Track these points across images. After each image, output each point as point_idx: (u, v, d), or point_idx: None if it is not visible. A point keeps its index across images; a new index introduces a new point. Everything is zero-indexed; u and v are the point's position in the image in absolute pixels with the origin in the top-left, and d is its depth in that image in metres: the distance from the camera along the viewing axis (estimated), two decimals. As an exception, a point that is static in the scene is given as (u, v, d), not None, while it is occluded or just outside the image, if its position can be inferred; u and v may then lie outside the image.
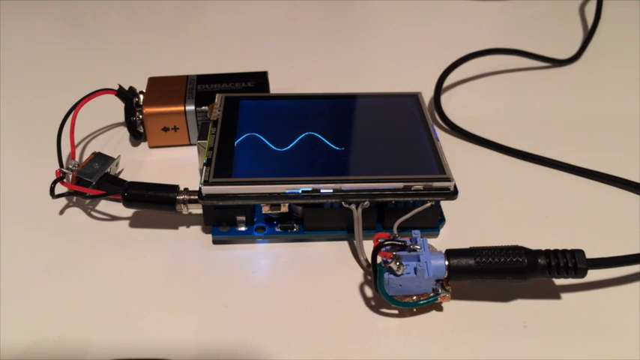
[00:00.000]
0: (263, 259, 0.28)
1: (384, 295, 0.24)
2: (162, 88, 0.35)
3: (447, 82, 0.39)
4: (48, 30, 0.48)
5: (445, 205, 0.30)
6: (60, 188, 0.29)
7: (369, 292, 0.26)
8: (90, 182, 0.29)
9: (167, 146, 0.34)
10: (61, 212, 0.30)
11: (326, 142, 0.29)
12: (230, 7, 0.52)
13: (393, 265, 0.23)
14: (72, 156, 0.31)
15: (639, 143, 0.35)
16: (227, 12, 0.51)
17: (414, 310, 0.25)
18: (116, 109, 0.34)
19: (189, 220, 0.29)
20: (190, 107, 0.33)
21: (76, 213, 0.30)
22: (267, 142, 0.29)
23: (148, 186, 0.28)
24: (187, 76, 0.36)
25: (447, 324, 0.24)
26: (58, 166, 0.30)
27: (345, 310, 0.25)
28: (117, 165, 0.32)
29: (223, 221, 0.28)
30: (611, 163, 0.33)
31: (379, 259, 0.24)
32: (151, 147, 0.34)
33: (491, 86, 0.41)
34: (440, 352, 0.23)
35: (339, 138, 0.29)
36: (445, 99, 0.38)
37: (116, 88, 0.33)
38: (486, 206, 0.30)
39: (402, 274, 0.23)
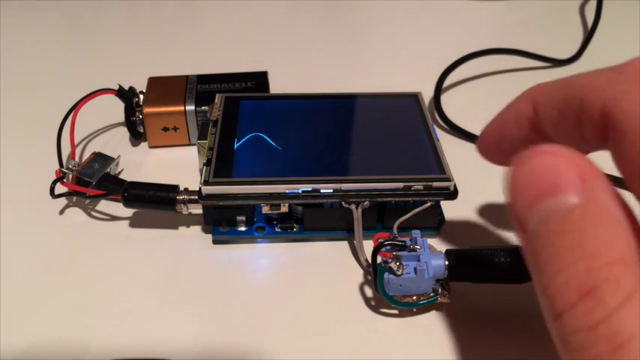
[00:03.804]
0: (263, 259, 0.28)
1: (384, 295, 0.24)
2: (162, 88, 0.35)
3: (447, 82, 0.39)
4: (48, 30, 0.48)
5: (445, 205, 0.30)
6: (60, 188, 0.29)
7: (369, 292, 0.26)
8: (90, 182, 0.29)
9: (167, 146, 0.34)
10: (61, 212, 0.30)
11: (325, 142, 0.29)
12: (230, 7, 0.52)
13: (393, 265, 0.23)
14: (72, 156, 0.31)
15: (639, 143, 0.35)
16: (227, 12, 0.51)
17: (414, 310, 0.25)
18: (116, 109, 0.34)
19: (189, 220, 0.29)
20: (190, 107, 0.33)
21: (76, 213, 0.30)
22: (267, 142, 0.29)
23: (148, 186, 0.28)
24: (187, 76, 0.36)
25: (447, 324, 0.24)
26: (58, 166, 0.30)
27: (345, 310, 0.25)
28: (117, 165, 0.32)
29: (223, 221, 0.28)
30: (611, 163, 0.33)
31: (379, 259, 0.24)
32: (150, 147, 0.34)
33: (491, 86, 0.41)
34: (440, 352, 0.23)
35: (339, 138, 0.29)
36: (445, 99, 0.38)
37: (116, 88, 0.33)
38: (486, 206, 0.30)
39: (402, 274, 0.23)
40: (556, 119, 0.19)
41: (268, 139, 0.29)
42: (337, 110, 0.31)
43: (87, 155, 0.32)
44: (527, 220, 0.14)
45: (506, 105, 0.22)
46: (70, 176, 0.29)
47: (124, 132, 0.35)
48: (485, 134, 0.23)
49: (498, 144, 0.22)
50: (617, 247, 0.13)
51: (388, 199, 0.27)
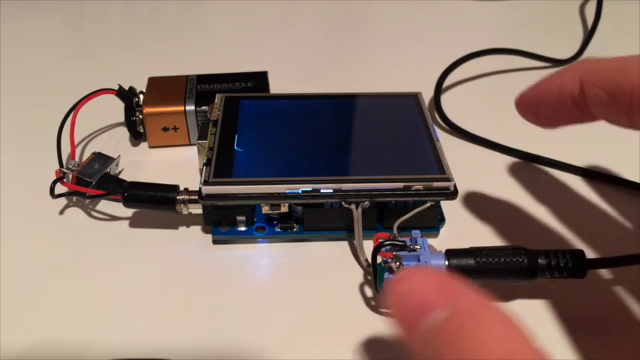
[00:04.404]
0: (263, 259, 0.28)
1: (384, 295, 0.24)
2: (163, 88, 0.35)
3: (447, 82, 0.39)
4: (48, 30, 0.48)
5: (445, 205, 0.30)
6: (60, 188, 0.29)
7: (369, 292, 0.26)
8: (90, 182, 0.29)
9: (167, 146, 0.34)
10: (61, 212, 0.30)
11: (325, 142, 0.29)
12: (230, 7, 0.52)
13: (393, 265, 0.23)
14: (72, 156, 0.31)
15: (639, 143, 0.35)
16: (227, 12, 0.51)
17: (414, 310, 0.25)
18: (116, 109, 0.34)
19: (189, 220, 0.29)
20: (190, 107, 0.33)
21: (76, 213, 0.30)
22: (267, 142, 0.29)
23: (148, 186, 0.28)
24: (187, 76, 0.36)
25: (447, 324, 0.24)
26: (58, 166, 0.30)
27: (345, 310, 0.25)
28: (117, 165, 0.32)
29: (223, 221, 0.28)
30: (611, 163, 0.33)
31: (379, 259, 0.24)
32: (151, 147, 0.34)
33: (491, 86, 0.41)
34: (440, 352, 0.23)
35: (339, 138, 0.29)
36: (445, 99, 0.38)
37: (116, 88, 0.33)
38: (486, 206, 0.30)
39: (402, 274, 0.23)
40: (604, 102, 0.19)
41: (268, 139, 0.29)
42: (337, 110, 0.31)
43: (87, 155, 0.32)
44: (410, 340, 0.15)
45: (551, 75, 0.21)
46: (70, 176, 0.29)
47: (124, 132, 0.35)
48: (524, 98, 0.22)
49: (536, 109, 0.22)
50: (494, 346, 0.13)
51: (388, 199, 0.27)
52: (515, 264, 0.23)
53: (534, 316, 0.25)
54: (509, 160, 0.34)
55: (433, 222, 0.28)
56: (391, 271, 0.23)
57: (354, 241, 0.27)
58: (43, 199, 0.29)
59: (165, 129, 0.34)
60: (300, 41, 0.47)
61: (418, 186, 0.26)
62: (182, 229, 0.29)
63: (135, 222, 0.29)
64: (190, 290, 0.26)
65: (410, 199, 0.27)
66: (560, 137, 0.35)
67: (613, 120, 0.19)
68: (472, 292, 0.14)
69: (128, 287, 0.26)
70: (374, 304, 0.25)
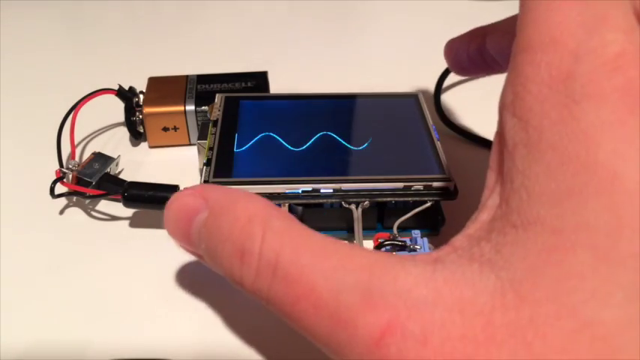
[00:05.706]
0: (263, 259, 0.28)
1: (384, 295, 0.24)
2: (163, 88, 0.35)
3: (447, 82, 0.39)
4: (48, 29, 0.48)
5: (445, 205, 0.29)
6: (60, 188, 0.29)
7: (369, 292, 0.26)
8: (90, 182, 0.29)
9: (167, 146, 0.34)
10: (61, 212, 0.30)
11: (325, 142, 0.29)
12: (230, 7, 0.52)
13: (393, 265, 0.23)
14: (72, 156, 0.31)
15: (639, 143, 0.35)
16: (227, 12, 0.51)
17: (414, 310, 0.25)
18: (116, 109, 0.34)
19: (189, 220, 0.29)
20: (190, 107, 0.33)
21: (76, 213, 0.30)
22: (267, 142, 0.29)
23: (148, 186, 0.28)
24: (187, 76, 0.36)
25: (447, 324, 0.24)
26: (58, 166, 0.30)
27: (345, 310, 0.25)
28: (117, 165, 0.32)
29: (223, 221, 0.28)
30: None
31: (379, 259, 0.24)
32: (150, 147, 0.34)
33: (491, 86, 0.41)
34: (440, 352, 0.23)
35: (339, 138, 0.29)
36: (445, 99, 0.38)
37: (116, 88, 0.33)
38: (486, 206, 0.30)
39: (402, 274, 0.23)
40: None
41: (268, 139, 0.29)
42: (337, 110, 0.31)
43: (87, 155, 0.32)
44: (196, 243, 0.19)
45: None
46: (70, 176, 0.29)
47: (124, 132, 0.35)
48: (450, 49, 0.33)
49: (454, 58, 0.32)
50: (241, 219, 0.18)
51: (388, 199, 0.27)
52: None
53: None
54: (509, 160, 0.34)
55: (433, 222, 0.28)
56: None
57: (354, 241, 0.27)
58: (43, 199, 0.29)
59: (165, 129, 0.34)
60: (300, 41, 0.47)
61: (418, 186, 0.26)
62: (182, 229, 0.29)
63: (135, 222, 0.29)
64: (190, 290, 0.26)
65: (410, 199, 0.27)
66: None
67: None
68: (221, 190, 0.19)
69: (128, 287, 0.26)
70: (374, 304, 0.25)
